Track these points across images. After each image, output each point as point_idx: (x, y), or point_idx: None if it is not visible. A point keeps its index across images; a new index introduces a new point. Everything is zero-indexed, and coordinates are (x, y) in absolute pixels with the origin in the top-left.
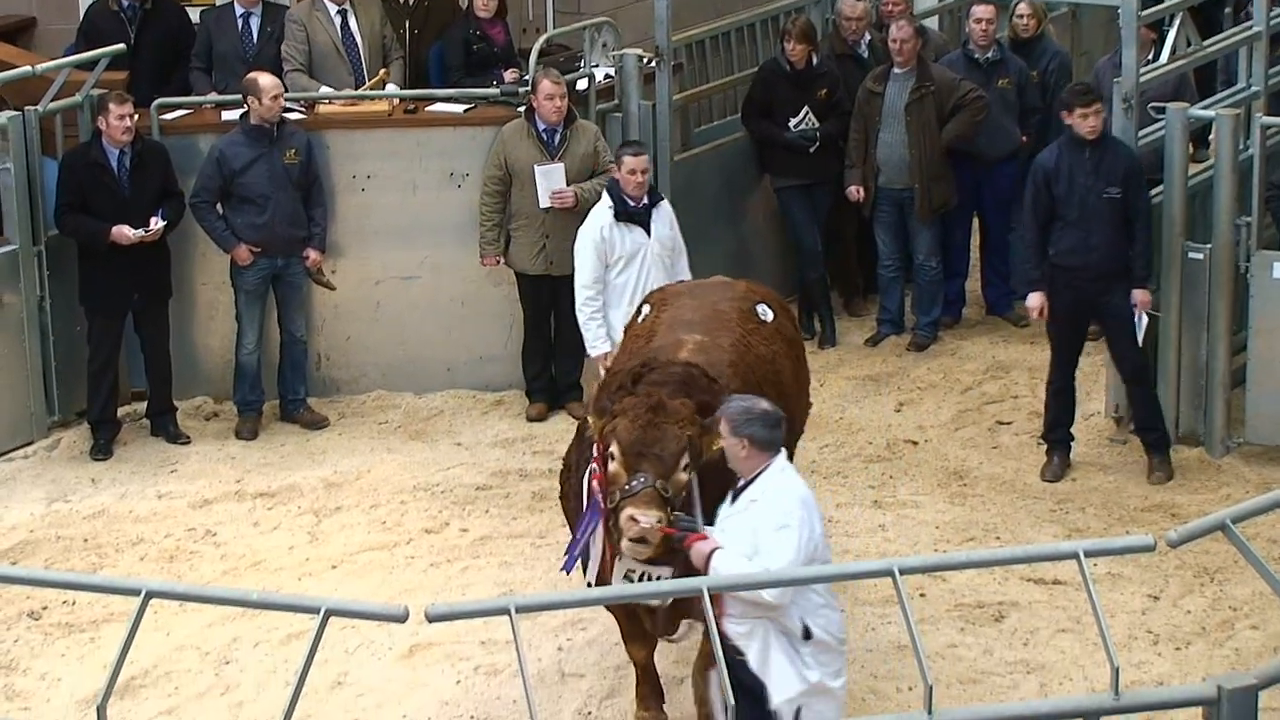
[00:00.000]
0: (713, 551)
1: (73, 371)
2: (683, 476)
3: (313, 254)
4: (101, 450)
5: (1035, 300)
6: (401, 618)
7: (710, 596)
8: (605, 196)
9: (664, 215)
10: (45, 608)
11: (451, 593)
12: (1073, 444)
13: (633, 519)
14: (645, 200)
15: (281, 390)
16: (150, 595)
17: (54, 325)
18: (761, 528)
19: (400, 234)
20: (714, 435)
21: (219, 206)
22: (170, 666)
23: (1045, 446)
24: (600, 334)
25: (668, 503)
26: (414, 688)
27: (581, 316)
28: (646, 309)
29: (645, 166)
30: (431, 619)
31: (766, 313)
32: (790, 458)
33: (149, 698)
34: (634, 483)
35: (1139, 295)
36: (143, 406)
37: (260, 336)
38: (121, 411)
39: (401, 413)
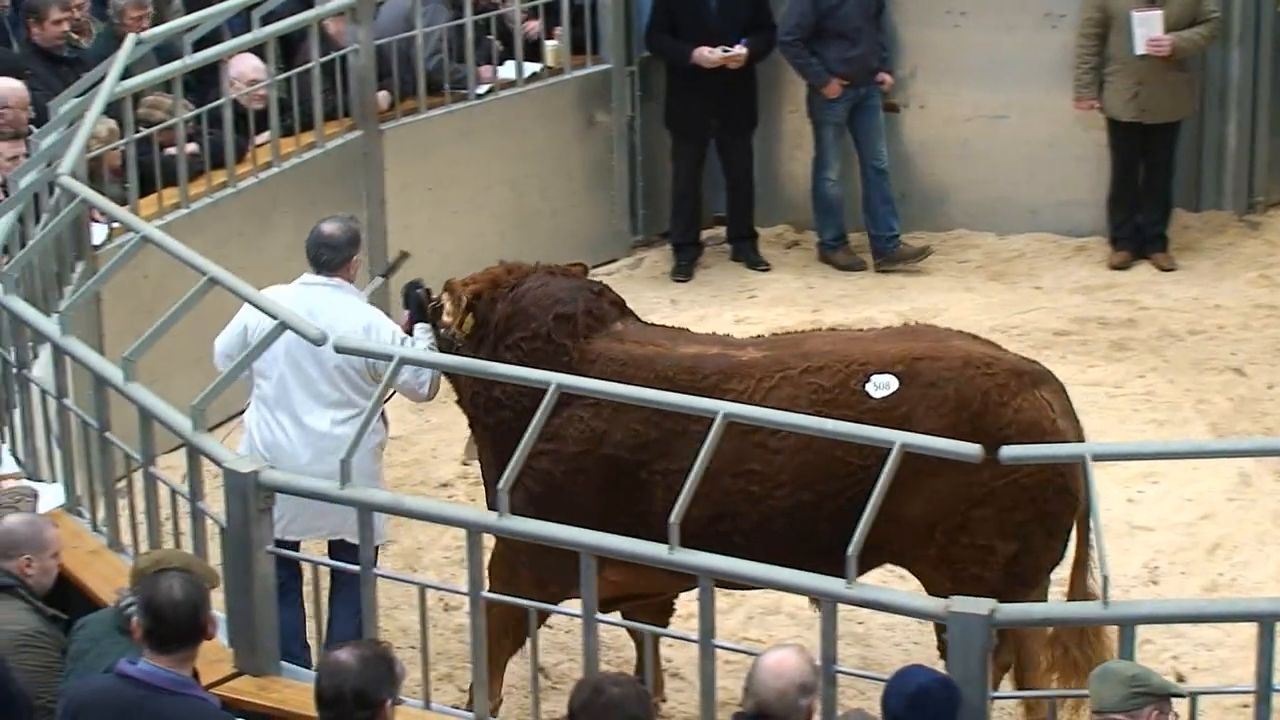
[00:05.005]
0: None
1: (658, 192)
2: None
3: (887, 77)
4: (682, 272)
5: None
6: (976, 456)
7: None
8: None
9: None
10: None
11: None
12: None
13: None
14: None
15: (873, 228)
16: (728, 417)
17: (642, 146)
18: None
19: (991, 73)
20: (463, 317)
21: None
22: None
23: None
24: None
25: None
26: None
27: None
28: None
29: None
30: (1004, 460)
31: (883, 386)
32: None
33: None
34: None
35: None
36: (725, 231)
37: (842, 167)
38: (704, 235)
39: (982, 253)
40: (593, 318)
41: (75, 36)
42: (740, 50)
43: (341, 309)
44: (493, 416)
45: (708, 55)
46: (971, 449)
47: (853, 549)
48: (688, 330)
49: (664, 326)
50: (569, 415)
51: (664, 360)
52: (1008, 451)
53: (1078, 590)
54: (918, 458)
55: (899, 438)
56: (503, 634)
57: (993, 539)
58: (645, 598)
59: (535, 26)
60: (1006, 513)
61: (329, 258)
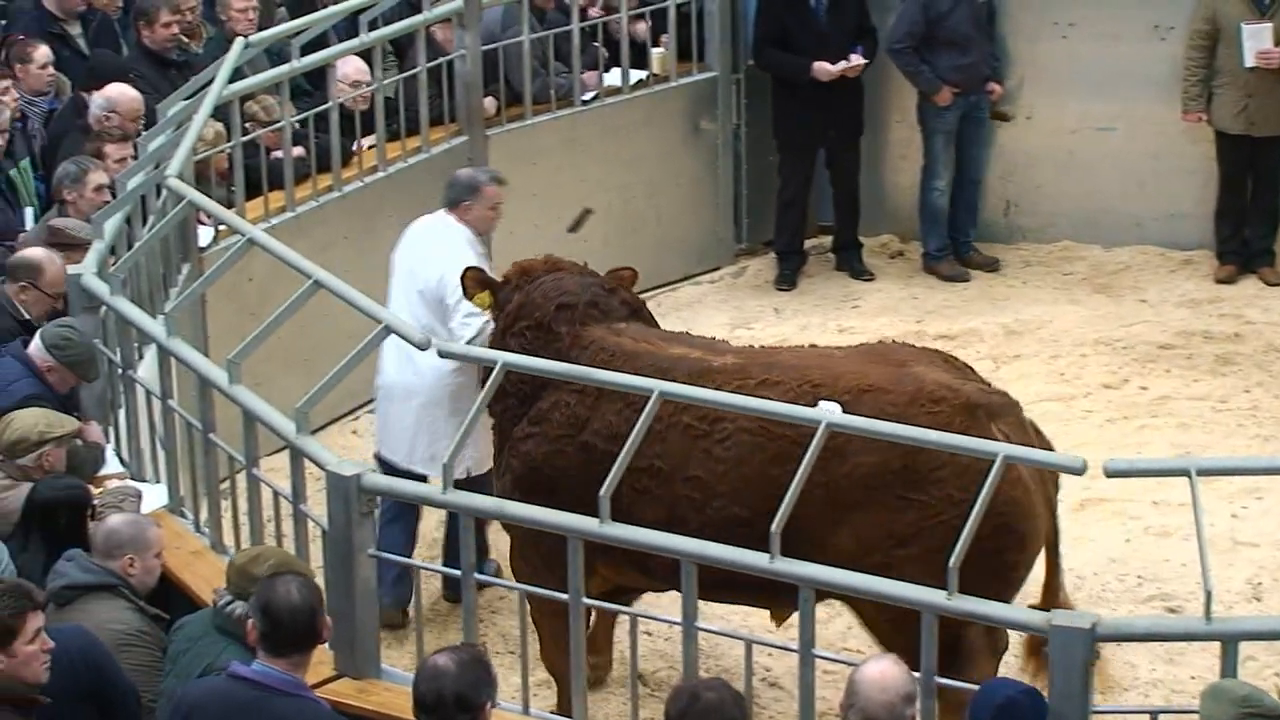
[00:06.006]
0: None
1: (762, 200)
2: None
3: (997, 87)
4: (786, 280)
5: None
6: (1079, 469)
7: None
8: None
9: None
10: None
11: (1127, 449)
12: None
13: None
14: None
15: (951, 231)
16: (830, 426)
17: (747, 154)
18: None
19: (1099, 84)
20: (482, 296)
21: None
22: None
23: None
24: None
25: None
26: (1081, 541)
27: None
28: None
29: None
30: (1110, 474)
31: (826, 412)
32: None
33: None
34: None
35: None
36: (829, 240)
37: (952, 177)
38: (808, 244)
39: (1087, 265)
40: (596, 310)
41: (185, 40)
42: (859, 60)
43: (438, 245)
44: (499, 404)
45: (830, 69)
46: (1074, 462)
47: (954, 561)
48: (689, 334)
49: (667, 330)
50: (556, 400)
51: (648, 358)
52: (1112, 465)
53: None
54: (842, 487)
55: (1001, 449)
56: (556, 638)
57: (922, 579)
58: (632, 592)
59: (643, 29)
60: (934, 554)
61: (444, 194)
